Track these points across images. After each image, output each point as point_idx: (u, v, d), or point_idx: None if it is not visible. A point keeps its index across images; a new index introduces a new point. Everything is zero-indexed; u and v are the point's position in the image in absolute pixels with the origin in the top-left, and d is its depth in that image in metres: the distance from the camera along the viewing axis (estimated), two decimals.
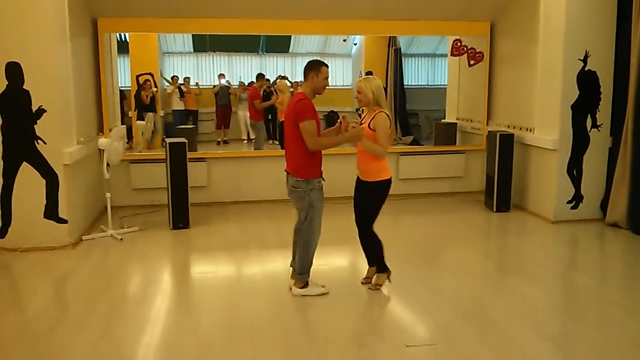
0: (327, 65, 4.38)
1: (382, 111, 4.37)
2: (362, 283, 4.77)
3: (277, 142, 10.88)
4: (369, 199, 4.52)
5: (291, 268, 4.66)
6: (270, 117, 11.05)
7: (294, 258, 4.62)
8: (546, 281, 5.02)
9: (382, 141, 4.34)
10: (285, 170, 4.45)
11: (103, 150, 6.15)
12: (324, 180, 4.46)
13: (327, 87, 4.42)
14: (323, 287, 4.59)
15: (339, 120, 4.47)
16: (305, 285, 4.54)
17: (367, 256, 4.78)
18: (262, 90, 10.77)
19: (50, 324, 4.07)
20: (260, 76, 11.08)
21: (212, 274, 5.22)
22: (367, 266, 4.82)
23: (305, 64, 4.42)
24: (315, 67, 4.31)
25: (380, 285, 4.66)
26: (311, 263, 4.56)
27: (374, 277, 4.73)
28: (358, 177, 4.58)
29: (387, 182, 4.47)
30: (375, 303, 4.54)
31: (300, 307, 4.40)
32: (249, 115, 10.64)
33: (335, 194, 6.83)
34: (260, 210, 7.36)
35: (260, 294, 4.61)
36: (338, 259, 5.55)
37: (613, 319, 4.17)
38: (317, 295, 4.50)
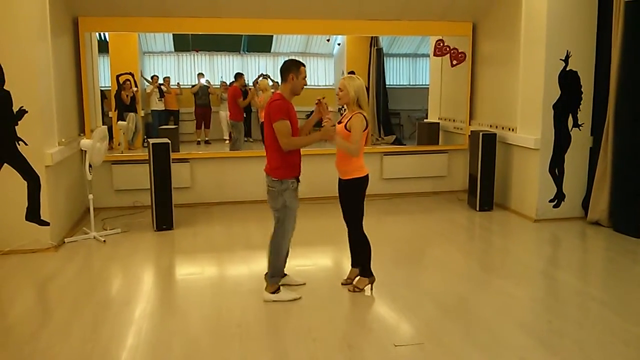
0: (304, 65, 4.40)
1: (360, 113, 4.38)
2: (342, 284, 4.77)
3: (251, 140, 10.85)
4: (348, 196, 4.56)
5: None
6: (245, 116, 10.98)
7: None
8: (529, 279, 5.08)
9: (355, 139, 4.34)
10: (264, 170, 4.47)
11: (85, 151, 6.08)
12: (298, 181, 4.47)
13: (308, 87, 4.46)
14: (296, 293, 4.55)
15: (316, 102, 4.48)
16: (277, 290, 4.50)
17: (352, 257, 4.79)
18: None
19: (34, 328, 4.01)
20: (239, 75, 11.03)
21: (197, 275, 5.20)
22: (350, 267, 4.83)
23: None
24: (294, 68, 4.33)
25: (361, 288, 4.63)
26: (282, 267, 4.58)
27: (356, 279, 4.72)
28: (339, 177, 4.60)
29: (363, 179, 4.50)
30: (362, 303, 4.55)
31: (288, 307, 4.39)
32: (229, 115, 10.57)
33: (322, 194, 6.87)
34: (244, 210, 7.34)
35: (247, 294, 4.59)
36: (324, 259, 5.55)
37: (596, 315, 4.24)
38: (289, 301, 4.45)
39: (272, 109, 4.26)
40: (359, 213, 4.58)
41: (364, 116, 4.39)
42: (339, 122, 4.54)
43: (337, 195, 4.64)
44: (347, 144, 4.36)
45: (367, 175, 4.52)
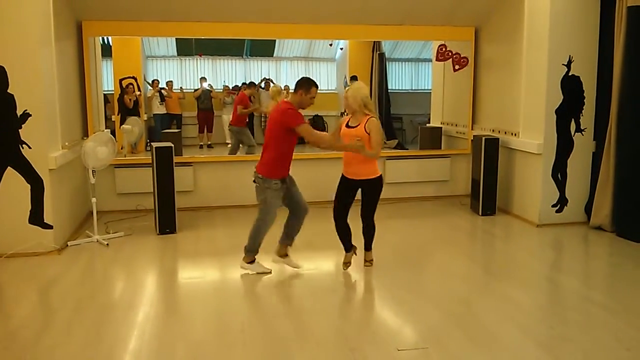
0: (317, 86, 4.84)
1: (373, 116, 4.78)
2: (344, 269, 5.22)
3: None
4: (374, 192, 4.97)
5: (278, 243, 5.20)
6: (247, 121, 10.94)
7: (283, 234, 5.15)
8: (533, 284, 5.08)
9: (377, 143, 4.76)
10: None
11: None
12: (283, 183, 4.88)
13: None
14: (269, 269, 5.14)
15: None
16: (252, 261, 5.09)
17: (344, 244, 5.19)
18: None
19: (37, 331, 4.01)
20: (252, 84, 11.01)
21: (200, 279, 5.20)
22: (345, 252, 5.23)
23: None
24: (305, 86, 4.77)
25: (371, 262, 5.27)
26: (258, 246, 5.07)
27: (366, 254, 5.27)
28: (351, 179, 4.95)
29: (382, 177, 5.00)
30: (365, 307, 4.56)
31: (291, 311, 4.41)
32: (231, 121, 10.49)
33: (327, 198, 6.91)
34: (247, 214, 7.29)
35: (250, 298, 4.60)
36: (327, 264, 5.54)
37: (599, 320, 4.23)
38: (261, 273, 5.06)
39: (289, 116, 4.69)
40: (376, 206, 5.05)
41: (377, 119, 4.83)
42: (349, 127, 4.87)
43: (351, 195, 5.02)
44: (371, 152, 4.77)
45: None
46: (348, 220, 5.10)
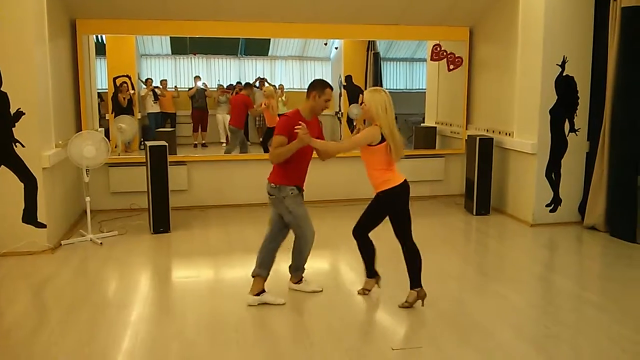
0: (331, 88, 4.41)
1: (377, 125, 4.20)
2: (359, 293, 4.69)
3: (249, 143, 10.80)
4: (384, 210, 4.35)
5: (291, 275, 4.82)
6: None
7: (293, 265, 4.74)
8: (526, 283, 5.09)
9: (352, 142, 4.33)
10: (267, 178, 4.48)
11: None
12: (300, 191, 4.45)
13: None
14: (320, 288, 4.76)
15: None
16: (299, 281, 4.76)
17: (367, 267, 4.63)
18: (235, 93, 10.79)
19: (31, 330, 3.99)
20: (249, 85, 10.99)
21: (194, 278, 5.19)
22: (366, 277, 4.69)
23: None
24: (318, 88, 4.35)
25: (411, 303, 4.38)
26: (304, 263, 4.69)
27: (409, 294, 4.42)
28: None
29: (396, 189, 4.25)
30: (359, 307, 4.55)
31: (285, 311, 4.40)
32: (229, 120, 10.47)
33: (325, 197, 6.93)
34: (241, 213, 7.34)
35: (244, 298, 4.58)
36: (322, 263, 5.54)
37: (593, 321, 4.24)
38: (309, 292, 4.70)
39: (279, 123, 4.32)
40: (406, 224, 4.36)
41: (381, 130, 4.18)
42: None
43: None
44: (325, 145, 4.30)
45: (402, 183, 4.28)
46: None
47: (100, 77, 9.61)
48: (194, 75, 12.06)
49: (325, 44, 11.83)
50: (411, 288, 4.40)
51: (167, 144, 6.41)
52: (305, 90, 4.45)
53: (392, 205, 4.31)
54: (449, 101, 8.87)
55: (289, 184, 4.37)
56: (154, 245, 6.09)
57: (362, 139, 4.20)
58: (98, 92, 8.48)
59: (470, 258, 5.93)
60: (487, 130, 7.69)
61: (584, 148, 6.78)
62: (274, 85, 11.63)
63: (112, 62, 10.12)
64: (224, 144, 11.32)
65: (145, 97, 11.06)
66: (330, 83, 4.46)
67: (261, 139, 10.63)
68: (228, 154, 9.40)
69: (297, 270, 4.73)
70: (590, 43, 6.58)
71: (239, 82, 11.86)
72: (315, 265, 5.34)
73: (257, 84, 11.82)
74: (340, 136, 10.41)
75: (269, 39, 11.64)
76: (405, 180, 4.31)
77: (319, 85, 4.36)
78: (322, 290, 4.72)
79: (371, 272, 4.64)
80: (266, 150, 4.67)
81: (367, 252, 4.57)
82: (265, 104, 9.74)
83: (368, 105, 4.22)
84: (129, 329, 4.03)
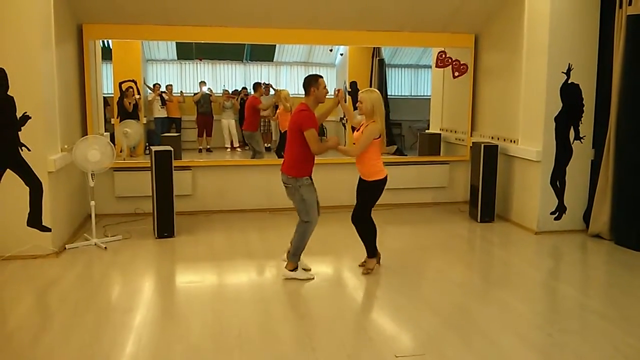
0: (322, 77, 4.98)
1: (375, 122, 4.91)
2: (359, 265, 5.38)
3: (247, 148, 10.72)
4: (367, 193, 5.13)
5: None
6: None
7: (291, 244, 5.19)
8: (530, 291, 5.08)
9: (358, 145, 4.96)
10: (281, 169, 5.02)
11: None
12: (311, 179, 5.03)
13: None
14: (311, 272, 5.20)
15: (335, 93, 5.23)
16: (294, 269, 5.11)
17: (367, 247, 5.27)
18: (240, 99, 10.81)
19: (35, 333, 4.01)
20: (258, 85, 10.98)
21: (198, 283, 5.19)
22: (367, 258, 5.32)
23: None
24: (313, 82, 4.91)
25: (371, 269, 5.24)
26: (303, 249, 5.12)
27: (366, 261, 5.30)
28: (360, 177, 5.17)
29: (382, 181, 5.07)
30: (363, 313, 4.55)
31: (288, 316, 4.40)
32: (244, 126, 10.40)
33: (333, 203, 6.99)
34: (245, 219, 7.34)
35: (247, 303, 4.59)
36: (326, 269, 5.54)
37: (597, 329, 4.22)
38: (304, 280, 5.06)
39: (302, 118, 4.81)
40: (370, 206, 5.17)
41: (379, 126, 4.92)
42: (356, 130, 5.14)
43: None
44: (345, 149, 5.11)
45: (385, 177, 5.09)
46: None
47: (106, 82, 9.64)
48: (199, 81, 12.08)
49: (331, 50, 11.83)
50: (369, 257, 5.27)
51: (172, 149, 6.43)
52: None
53: (375, 192, 5.11)
54: (454, 108, 8.86)
55: (303, 175, 4.95)
56: (158, 250, 6.10)
57: (369, 135, 4.89)
58: (104, 97, 8.51)
59: (474, 265, 5.92)
60: (492, 137, 7.68)
61: (589, 156, 6.77)
62: (288, 91, 11.59)
63: (118, 67, 10.15)
64: (228, 149, 11.33)
65: (152, 102, 11.09)
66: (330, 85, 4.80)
67: (276, 147, 10.50)
68: (258, 158, 9.31)
69: (294, 255, 5.13)
70: (595, 51, 6.58)
71: (244, 88, 11.88)
72: (318, 270, 5.35)
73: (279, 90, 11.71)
74: (345, 142, 10.41)
75: (275, 45, 11.66)
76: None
77: (312, 80, 4.92)
78: (314, 278, 5.12)
79: (373, 252, 5.28)
80: (281, 157, 5.10)
81: (370, 234, 5.21)
82: (280, 107, 9.75)
83: (365, 103, 4.92)
84: (133, 333, 4.04)
